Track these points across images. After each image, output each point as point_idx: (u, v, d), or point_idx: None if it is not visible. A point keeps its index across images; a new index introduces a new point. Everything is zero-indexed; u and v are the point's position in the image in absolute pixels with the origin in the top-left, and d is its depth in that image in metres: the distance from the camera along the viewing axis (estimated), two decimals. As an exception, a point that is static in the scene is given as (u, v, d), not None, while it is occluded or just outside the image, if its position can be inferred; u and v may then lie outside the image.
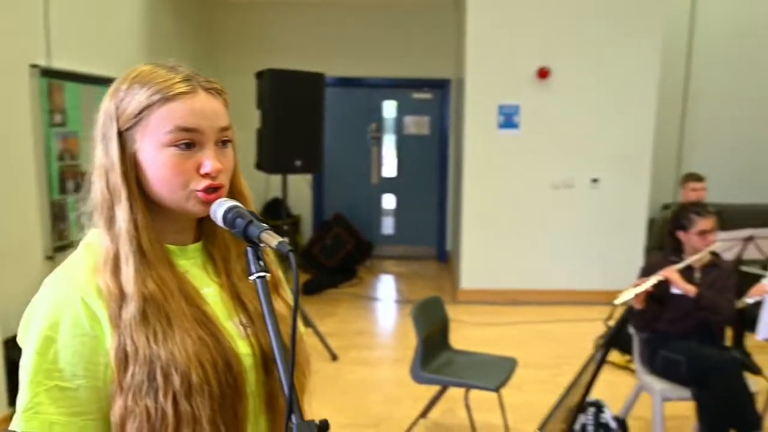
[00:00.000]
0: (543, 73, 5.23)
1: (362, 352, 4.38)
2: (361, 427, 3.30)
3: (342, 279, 6.15)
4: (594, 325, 4.66)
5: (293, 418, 0.75)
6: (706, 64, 6.27)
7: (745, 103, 6.33)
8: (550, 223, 5.49)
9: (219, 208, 0.90)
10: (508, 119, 5.31)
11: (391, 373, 4.03)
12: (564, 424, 1.11)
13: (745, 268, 4.25)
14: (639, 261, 4.86)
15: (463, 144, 5.42)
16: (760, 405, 2.95)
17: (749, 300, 2.95)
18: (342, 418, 3.35)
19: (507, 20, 5.22)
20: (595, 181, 5.45)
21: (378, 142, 7.08)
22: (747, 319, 3.56)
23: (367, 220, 7.10)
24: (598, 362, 1.22)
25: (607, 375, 4.02)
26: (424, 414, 3.20)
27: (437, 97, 6.95)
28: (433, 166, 7.06)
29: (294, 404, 0.76)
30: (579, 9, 5.22)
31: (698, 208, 3.06)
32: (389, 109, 7.07)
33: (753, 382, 2.83)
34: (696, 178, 4.76)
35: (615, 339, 1.26)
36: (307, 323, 4.25)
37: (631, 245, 5.36)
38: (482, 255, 5.53)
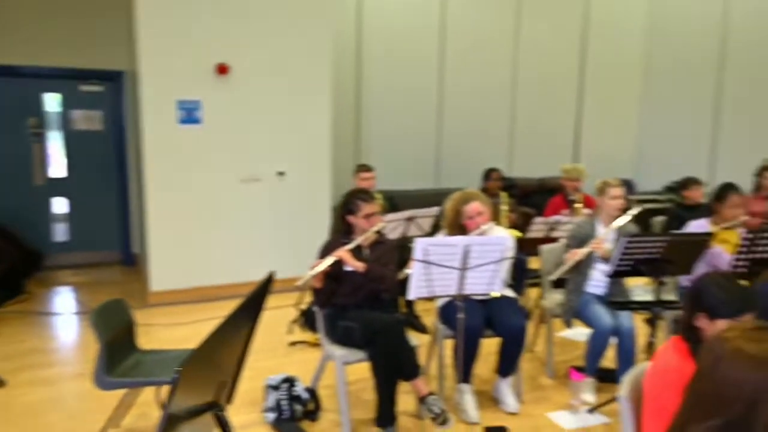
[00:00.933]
0: (222, 69, 5.41)
1: (37, 372, 4.03)
2: (42, 453, 3.10)
3: (5, 296, 5.50)
4: (287, 311, 5.07)
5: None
6: (373, 64, 7.19)
7: (409, 98, 7.44)
8: (240, 217, 5.72)
9: None
10: (190, 114, 5.37)
11: (75, 389, 3.81)
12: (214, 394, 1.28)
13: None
14: (324, 246, 5.41)
15: (143, 140, 5.32)
16: (423, 357, 3.62)
17: (409, 271, 3.58)
18: (17, 447, 3.10)
19: (182, 14, 5.25)
20: (281, 174, 5.85)
21: (40, 138, 6.46)
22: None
23: (34, 227, 6.43)
24: (249, 328, 1.41)
25: (302, 354, 4.45)
26: (113, 422, 3.15)
27: (110, 90, 6.62)
28: (110, 164, 6.72)
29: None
30: (253, 5, 5.52)
31: (363, 194, 3.59)
32: (52, 102, 6.50)
33: (418, 339, 3.45)
34: (366, 168, 5.50)
35: (258, 304, 1.49)
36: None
37: (317, 232, 5.89)
38: (172, 255, 5.51)
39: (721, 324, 2.06)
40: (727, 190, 4.18)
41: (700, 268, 3.43)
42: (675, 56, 8.46)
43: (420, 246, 2.98)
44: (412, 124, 7.51)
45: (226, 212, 5.67)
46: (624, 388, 2.10)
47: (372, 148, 7.31)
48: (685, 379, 1.61)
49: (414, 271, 3.01)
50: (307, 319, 4.85)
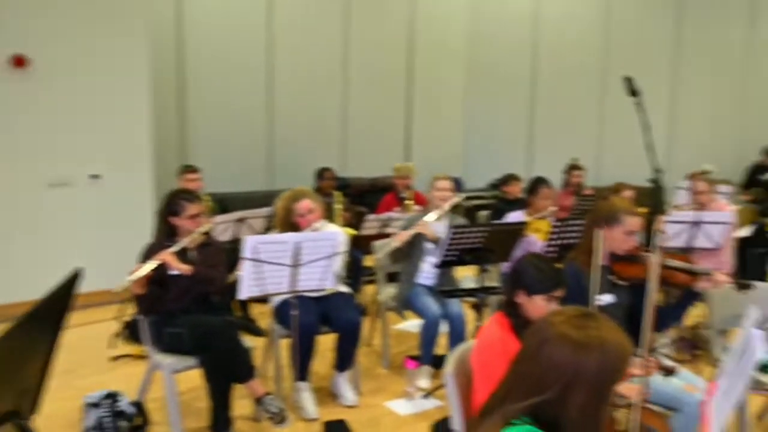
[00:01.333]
0: (19, 61, 4.95)
1: None
2: None
3: None
4: (108, 325, 4.77)
5: None
6: (197, 62, 6.98)
7: (237, 98, 7.28)
8: (48, 225, 5.26)
9: None
10: (-18, 110, 4.87)
11: None
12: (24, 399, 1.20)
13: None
14: (148, 253, 5.16)
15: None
16: (259, 359, 3.59)
17: (240, 273, 3.54)
18: None
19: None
20: (95, 177, 5.47)
21: None
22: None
23: None
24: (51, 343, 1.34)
25: (126, 368, 4.23)
26: None
27: None
28: None
29: None
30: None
31: (187, 194, 3.49)
32: None
33: (255, 342, 3.46)
34: (191, 170, 5.35)
35: (62, 304, 1.40)
36: None
37: (138, 238, 5.57)
38: (-34, 271, 4.96)
39: (538, 299, 2.32)
40: (538, 183, 4.65)
41: (518, 255, 3.76)
42: (493, 62, 9.16)
43: (249, 244, 2.97)
44: (241, 124, 7.39)
45: (31, 220, 5.18)
46: (449, 365, 2.25)
47: (199, 149, 7.08)
48: (508, 348, 1.78)
49: (244, 270, 2.99)
50: (131, 331, 4.59)
